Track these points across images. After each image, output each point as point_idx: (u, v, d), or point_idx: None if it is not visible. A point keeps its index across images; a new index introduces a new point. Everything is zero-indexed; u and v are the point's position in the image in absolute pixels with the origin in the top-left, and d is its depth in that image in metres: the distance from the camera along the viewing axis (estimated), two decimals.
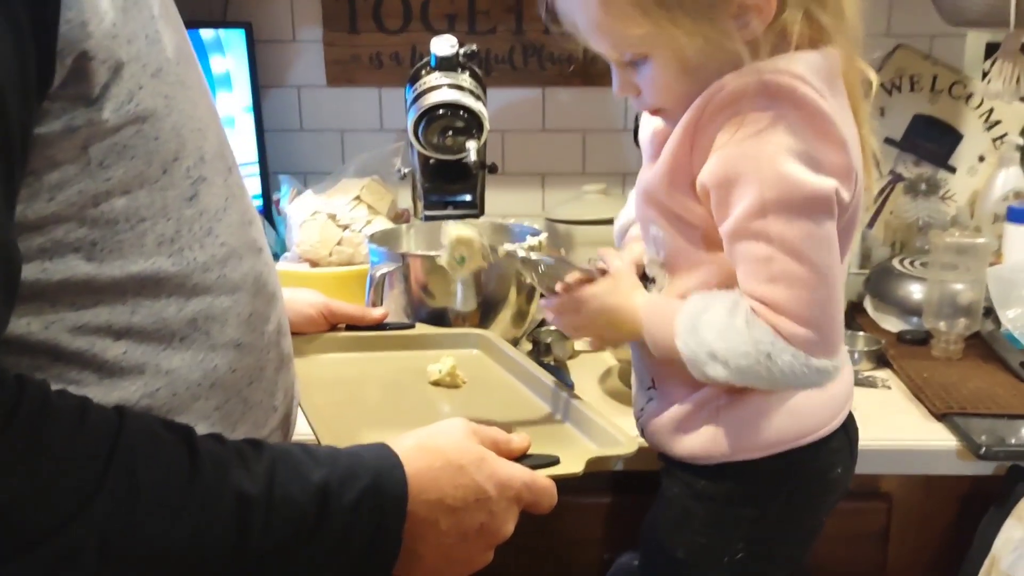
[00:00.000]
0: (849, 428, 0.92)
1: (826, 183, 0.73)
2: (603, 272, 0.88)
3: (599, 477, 1.10)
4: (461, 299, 1.09)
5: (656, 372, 0.90)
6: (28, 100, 0.52)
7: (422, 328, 1.16)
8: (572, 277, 0.87)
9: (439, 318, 1.22)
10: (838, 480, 0.90)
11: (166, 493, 0.56)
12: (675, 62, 0.76)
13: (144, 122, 0.58)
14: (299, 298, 1.11)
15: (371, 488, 0.63)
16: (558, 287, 0.87)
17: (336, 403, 0.95)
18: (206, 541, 0.57)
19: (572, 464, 0.77)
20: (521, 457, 0.75)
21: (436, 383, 1.01)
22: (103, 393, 0.60)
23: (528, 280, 0.91)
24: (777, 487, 0.87)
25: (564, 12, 0.79)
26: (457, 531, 0.67)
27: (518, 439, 0.76)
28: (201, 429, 0.64)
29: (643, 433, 0.93)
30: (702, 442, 0.87)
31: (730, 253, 0.77)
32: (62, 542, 0.52)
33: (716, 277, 0.81)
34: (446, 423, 0.72)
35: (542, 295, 0.89)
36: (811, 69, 0.75)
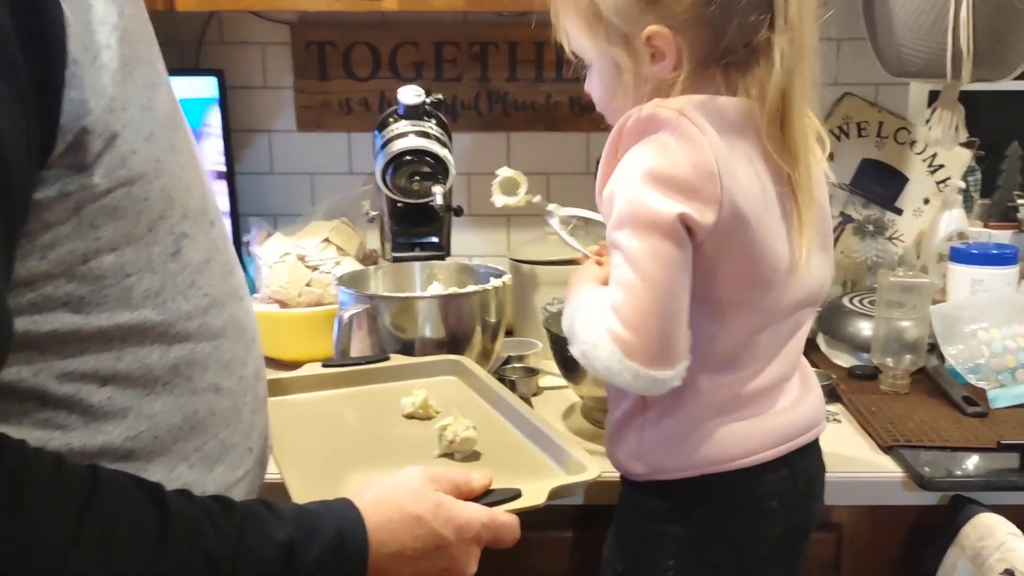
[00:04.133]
0: (795, 465, 0.94)
1: (670, 208, 0.80)
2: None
3: (564, 511, 1.14)
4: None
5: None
6: (31, 170, 0.55)
7: (397, 359, 1.18)
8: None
9: (407, 353, 1.25)
10: (773, 513, 0.92)
11: (138, 551, 0.57)
12: (603, 75, 0.91)
13: (134, 184, 0.61)
14: None
15: (333, 545, 0.66)
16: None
17: (309, 446, 0.96)
18: None
19: (534, 496, 0.79)
20: (483, 494, 0.78)
21: (410, 416, 1.03)
22: (88, 436, 0.62)
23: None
24: (704, 509, 0.91)
25: (554, 13, 0.93)
26: None
27: (478, 478, 0.78)
28: (181, 470, 0.67)
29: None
30: (628, 456, 0.92)
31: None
32: None
33: None
34: (404, 473, 0.75)
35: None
36: (697, 107, 0.83)
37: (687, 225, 0.81)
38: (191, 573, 0.59)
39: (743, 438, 0.90)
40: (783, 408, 0.93)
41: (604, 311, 0.84)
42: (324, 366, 1.15)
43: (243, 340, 0.74)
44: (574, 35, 0.91)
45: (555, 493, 0.80)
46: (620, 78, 0.88)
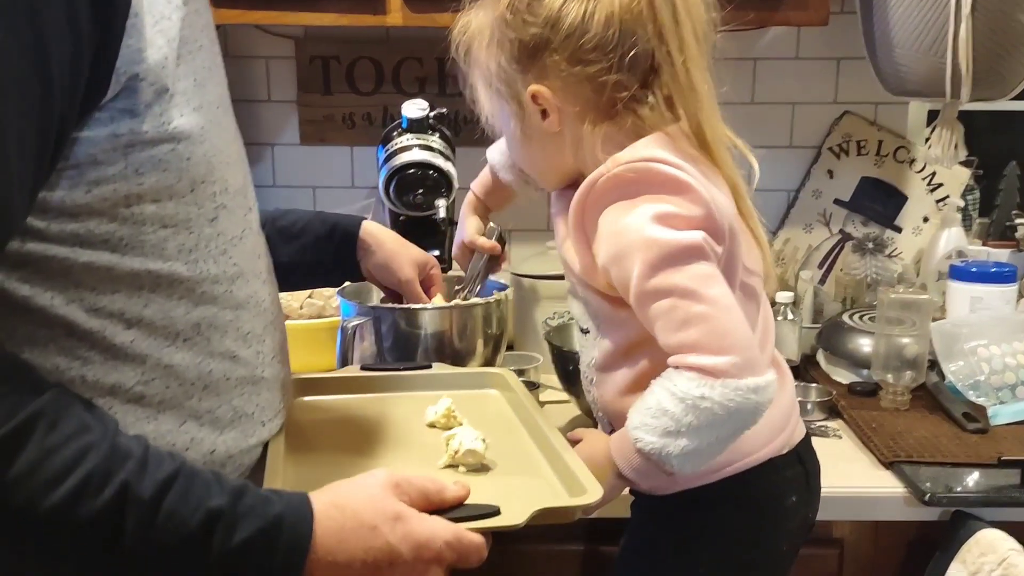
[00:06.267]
0: (806, 459, 0.97)
1: (694, 236, 0.82)
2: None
3: (575, 524, 1.12)
4: None
5: (616, 420, 0.95)
6: (73, 100, 0.60)
7: (440, 368, 1.13)
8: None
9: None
10: (793, 509, 0.95)
11: (57, 461, 0.57)
12: (508, 136, 0.97)
13: (179, 143, 0.66)
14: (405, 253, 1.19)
15: (268, 533, 0.62)
16: None
17: (312, 447, 0.92)
18: (80, 519, 0.58)
19: (514, 515, 0.72)
20: (457, 506, 0.72)
21: (432, 425, 0.99)
22: (104, 372, 0.66)
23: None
24: (732, 510, 0.93)
25: (465, 83, 0.99)
26: None
27: (454, 489, 0.72)
28: (190, 426, 0.70)
29: None
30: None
31: (644, 319, 0.85)
32: None
33: (637, 331, 0.88)
34: (367, 476, 0.70)
35: None
36: (659, 147, 0.85)
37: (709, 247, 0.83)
38: (101, 504, 0.58)
39: (755, 430, 0.89)
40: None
41: (678, 373, 0.81)
42: (363, 369, 1.12)
43: (262, 319, 0.77)
44: (481, 100, 0.96)
45: (540, 515, 0.73)
46: (522, 136, 0.93)
